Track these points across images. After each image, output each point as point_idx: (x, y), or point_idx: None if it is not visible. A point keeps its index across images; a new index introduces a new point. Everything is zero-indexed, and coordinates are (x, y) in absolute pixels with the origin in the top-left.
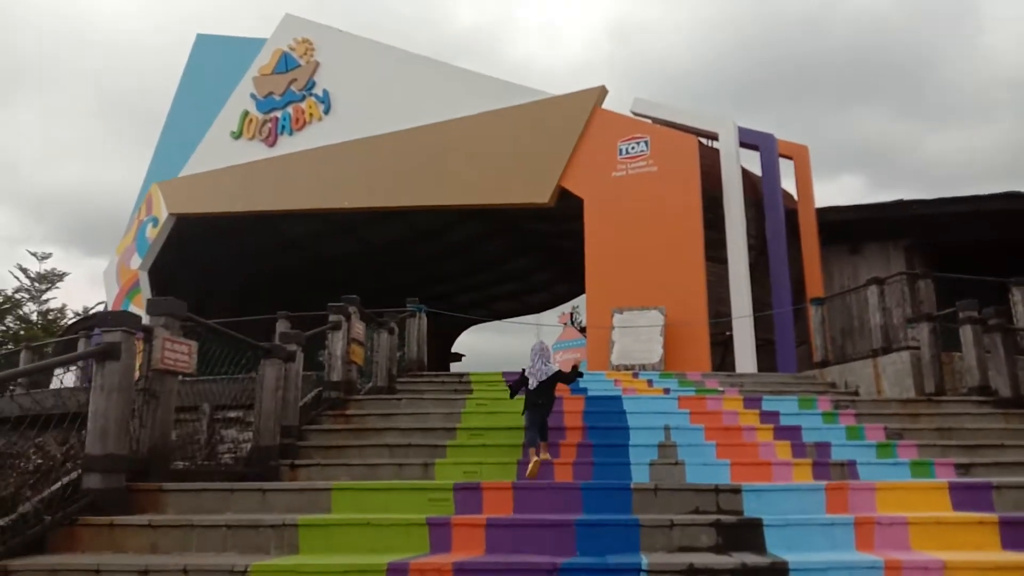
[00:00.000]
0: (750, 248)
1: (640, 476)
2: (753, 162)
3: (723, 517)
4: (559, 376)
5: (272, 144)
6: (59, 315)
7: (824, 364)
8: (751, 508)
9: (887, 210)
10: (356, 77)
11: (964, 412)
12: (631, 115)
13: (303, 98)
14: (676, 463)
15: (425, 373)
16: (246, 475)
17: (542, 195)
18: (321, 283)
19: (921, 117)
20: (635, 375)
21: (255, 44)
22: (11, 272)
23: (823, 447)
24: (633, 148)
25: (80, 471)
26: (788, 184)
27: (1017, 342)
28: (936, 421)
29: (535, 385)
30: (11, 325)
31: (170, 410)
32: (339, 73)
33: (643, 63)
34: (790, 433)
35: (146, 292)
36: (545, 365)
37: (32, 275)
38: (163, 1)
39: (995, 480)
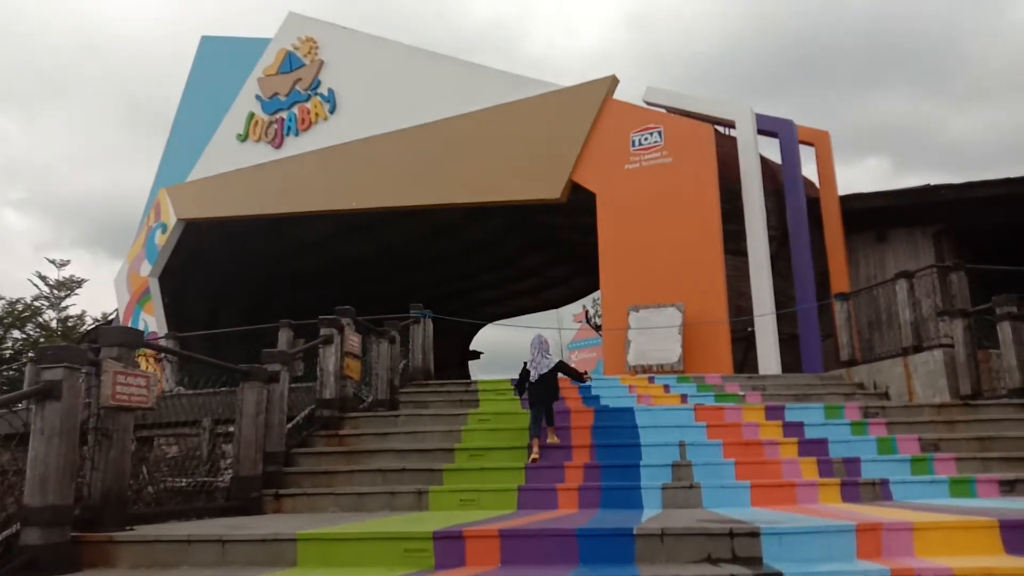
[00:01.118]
0: (771, 239)
1: (652, 502)
2: (772, 150)
3: (738, 570)
4: (561, 368)
5: (279, 146)
6: (78, 322)
7: (851, 363)
8: (771, 554)
9: (914, 196)
10: (361, 75)
11: (1005, 418)
12: (644, 105)
13: (308, 98)
14: (691, 486)
15: (431, 382)
16: (225, 509)
17: (554, 190)
18: (336, 285)
19: (947, 96)
20: (651, 379)
21: (259, 44)
22: (30, 280)
23: (852, 463)
24: (646, 139)
25: (19, 525)
26: (809, 171)
27: None
28: (975, 429)
29: (536, 378)
30: (31, 333)
31: (125, 449)
32: (344, 71)
33: (659, 53)
34: (816, 447)
35: (156, 299)
36: (544, 357)
37: (51, 282)
38: (181, 7)
39: None
